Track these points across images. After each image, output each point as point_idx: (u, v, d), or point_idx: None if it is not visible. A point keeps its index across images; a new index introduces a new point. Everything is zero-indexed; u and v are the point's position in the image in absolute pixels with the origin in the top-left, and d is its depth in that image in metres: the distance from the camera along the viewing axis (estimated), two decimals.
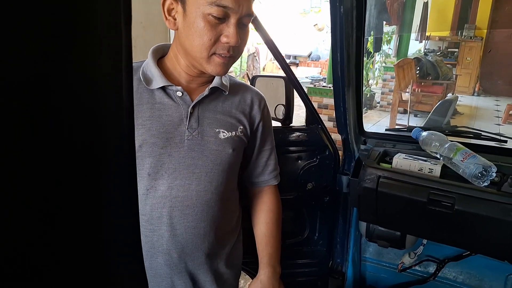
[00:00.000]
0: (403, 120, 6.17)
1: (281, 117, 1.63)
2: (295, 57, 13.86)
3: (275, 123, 1.65)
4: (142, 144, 0.94)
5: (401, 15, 7.38)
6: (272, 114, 1.66)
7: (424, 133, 1.41)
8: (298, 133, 1.62)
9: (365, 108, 7.60)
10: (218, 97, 1.04)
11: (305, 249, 1.70)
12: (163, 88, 0.97)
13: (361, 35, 1.29)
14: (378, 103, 7.98)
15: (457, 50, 9.21)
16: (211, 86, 1.00)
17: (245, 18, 0.91)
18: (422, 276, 1.68)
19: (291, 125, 1.64)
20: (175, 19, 0.92)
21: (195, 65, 0.96)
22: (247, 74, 10.43)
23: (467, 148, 1.29)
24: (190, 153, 0.98)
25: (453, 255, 1.59)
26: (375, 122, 6.71)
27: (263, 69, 12.14)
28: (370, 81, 7.87)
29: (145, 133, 0.94)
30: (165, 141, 0.96)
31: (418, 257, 1.64)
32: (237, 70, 10.50)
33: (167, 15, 0.92)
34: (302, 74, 11.36)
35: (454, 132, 1.49)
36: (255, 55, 11.13)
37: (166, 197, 0.97)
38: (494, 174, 1.24)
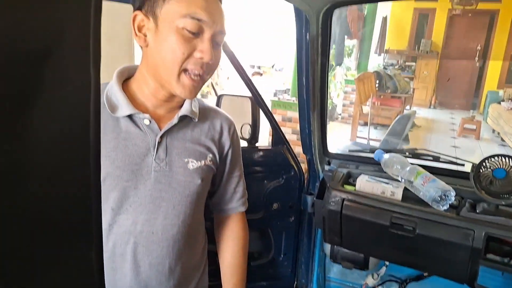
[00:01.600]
0: (363, 132, 6.33)
1: (247, 137, 1.61)
2: (259, 67, 13.97)
3: (241, 143, 1.64)
4: (106, 177, 0.88)
5: (362, 29, 7.61)
6: (238, 134, 1.64)
7: (386, 156, 1.43)
8: (263, 153, 1.61)
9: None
10: (187, 125, 0.99)
11: (270, 270, 1.69)
12: (129, 116, 0.91)
13: (326, 61, 1.30)
14: (340, 114, 8.17)
15: (414, 64, 9.61)
16: (180, 114, 0.95)
17: (219, 36, 0.88)
18: None
19: (257, 144, 1.63)
20: (145, 36, 0.87)
21: (164, 86, 0.90)
22: (211, 83, 10.38)
23: (427, 172, 1.33)
24: (157, 186, 0.93)
25: (414, 275, 1.62)
26: (337, 134, 6.85)
27: (227, 78, 12.14)
28: (332, 93, 8.04)
29: (110, 165, 0.88)
30: (131, 174, 0.90)
31: (381, 278, 1.66)
32: None
33: (137, 32, 0.87)
34: (266, 83, 11.46)
35: (415, 154, 1.52)
36: (219, 65, 11.07)
37: (130, 232, 0.91)
38: (453, 198, 1.28)
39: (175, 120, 0.94)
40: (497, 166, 1.25)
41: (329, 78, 7.03)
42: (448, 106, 9.56)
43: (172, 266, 0.97)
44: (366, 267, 1.54)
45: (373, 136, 6.14)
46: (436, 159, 1.49)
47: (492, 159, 1.27)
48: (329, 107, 7.65)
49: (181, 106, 0.98)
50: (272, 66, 13.87)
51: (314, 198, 1.52)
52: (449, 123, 8.16)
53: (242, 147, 1.59)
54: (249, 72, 13.84)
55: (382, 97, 7.08)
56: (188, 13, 0.81)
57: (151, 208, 0.92)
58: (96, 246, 0.33)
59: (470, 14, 8.91)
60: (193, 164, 0.97)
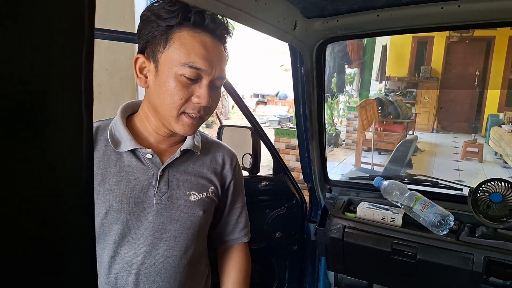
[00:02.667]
0: (367, 158, 6.35)
1: (248, 166, 1.65)
2: (263, 96, 14.18)
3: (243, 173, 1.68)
4: (108, 210, 0.90)
5: (362, 57, 7.76)
6: (239, 163, 1.68)
7: (385, 182, 1.47)
8: (265, 182, 1.64)
9: (331, 146, 7.79)
10: (190, 158, 1.03)
11: None
12: (132, 150, 0.95)
13: (321, 92, 1.36)
14: (344, 141, 8.21)
15: (415, 90, 9.71)
16: (182, 148, 0.99)
17: (218, 81, 0.92)
18: None
19: (258, 174, 1.66)
20: (146, 77, 0.91)
21: (164, 124, 0.94)
22: (216, 113, 10.51)
23: (425, 198, 1.35)
24: (159, 218, 0.94)
25: None
26: (342, 160, 6.87)
27: (232, 107, 12.30)
28: (335, 120, 8.11)
29: (112, 198, 0.91)
30: (133, 206, 0.92)
31: None
32: None
33: (138, 73, 0.92)
34: (271, 112, 11.59)
35: (413, 180, 1.55)
36: (223, 94, 11.28)
37: (132, 264, 0.93)
38: (452, 223, 1.30)
39: (177, 154, 0.98)
40: (493, 190, 1.28)
41: (332, 105, 7.11)
42: (451, 130, 9.59)
43: None
44: None
45: (377, 161, 6.16)
46: (435, 184, 1.51)
47: (489, 184, 1.30)
48: (333, 133, 7.71)
49: (184, 140, 1.02)
50: (276, 95, 14.08)
51: (316, 226, 1.54)
52: (452, 146, 8.17)
53: (243, 176, 1.64)
54: (253, 101, 14.05)
55: (384, 123, 7.14)
56: (187, 62, 0.85)
57: (152, 240, 0.94)
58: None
59: (467, 41, 9.09)
60: (194, 196, 0.99)
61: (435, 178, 1.52)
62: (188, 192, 0.99)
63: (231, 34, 0.96)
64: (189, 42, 0.86)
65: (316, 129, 1.45)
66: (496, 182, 1.29)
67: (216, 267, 1.24)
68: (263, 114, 12.32)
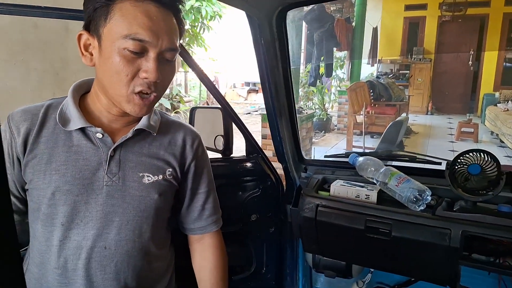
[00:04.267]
0: (359, 142, 6.29)
1: (221, 148, 1.58)
2: (254, 84, 14.06)
3: (216, 155, 1.61)
4: (55, 191, 0.86)
5: (351, 41, 7.66)
6: (212, 145, 1.61)
7: (360, 159, 1.40)
8: (238, 164, 1.58)
9: (323, 132, 7.73)
10: (145, 139, 0.96)
11: (252, 284, 1.63)
12: (82, 130, 0.90)
13: (287, 65, 1.28)
14: (336, 126, 8.15)
15: (408, 72, 9.65)
16: (136, 127, 0.93)
17: (168, 53, 0.85)
18: None
19: (231, 156, 1.60)
20: (92, 55, 0.85)
21: (115, 104, 0.88)
22: (207, 102, 10.44)
23: (401, 173, 1.29)
24: (109, 200, 0.90)
25: (402, 281, 1.56)
26: (333, 145, 6.81)
27: (224, 94, 12.19)
28: (326, 105, 8.04)
29: (59, 179, 0.86)
30: (81, 188, 0.88)
31: (367, 286, 1.61)
32: (197, 99, 10.48)
33: (83, 51, 0.86)
34: (262, 100, 11.49)
35: (390, 156, 1.49)
36: (214, 83, 11.17)
37: (82, 247, 0.88)
38: (430, 198, 1.23)
39: (129, 134, 0.92)
40: (472, 162, 1.22)
41: (323, 90, 7.05)
42: (445, 111, 9.54)
43: (128, 281, 0.93)
44: (349, 275, 1.48)
45: (369, 145, 6.10)
46: (413, 159, 1.45)
47: (467, 155, 1.23)
48: (324, 118, 7.65)
49: (140, 119, 0.95)
50: None
51: (290, 207, 1.48)
52: (447, 127, 8.12)
53: (216, 158, 1.58)
54: (244, 89, 13.94)
55: (376, 105, 7.07)
56: (129, 34, 0.78)
57: (103, 223, 0.89)
58: None
59: (460, 20, 8.97)
60: (149, 178, 0.93)
61: (412, 153, 1.45)
62: (141, 174, 0.93)
63: (183, 3, 0.89)
64: (130, 12, 0.79)
65: (285, 105, 1.37)
66: (474, 153, 1.22)
67: (185, 251, 1.16)
68: (254, 102, 12.23)
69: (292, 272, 1.68)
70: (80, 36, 0.85)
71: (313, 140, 6.73)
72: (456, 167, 1.26)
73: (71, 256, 0.89)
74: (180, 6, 0.88)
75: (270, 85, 1.26)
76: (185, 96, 9.59)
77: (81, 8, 0.86)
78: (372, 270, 1.58)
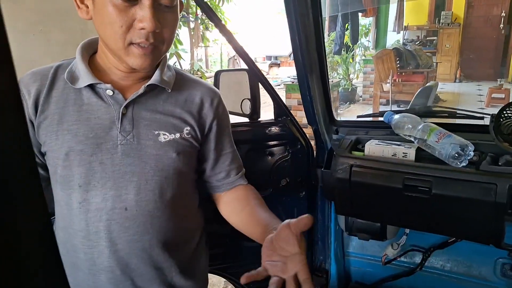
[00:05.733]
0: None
1: (248, 112, 1.53)
2: (276, 58, 13.82)
3: (242, 119, 1.57)
4: (68, 152, 0.83)
5: (377, 6, 7.38)
6: (238, 110, 1.57)
7: (396, 116, 1.33)
8: (267, 128, 1.53)
9: (348, 102, 7.57)
10: (159, 95, 0.91)
11: None
12: (91, 87, 0.86)
13: (318, 14, 1.20)
14: (361, 96, 7.97)
15: (435, 38, 9.26)
16: (148, 83, 0.88)
17: None
18: (408, 267, 1.59)
19: (259, 119, 1.55)
20: (87, 7, 0.81)
21: (119, 59, 0.84)
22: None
23: (441, 128, 1.22)
24: (126, 160, 0.86)
25: (438, 242, 1.51)
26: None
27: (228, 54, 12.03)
28: (351, 75, 7.85)
29: (71, 139, 0.84)
30: (95, 148, 0.84)
31: (402, 248, 1.56)
32: None
33: (79, 4, 0.81)
34: (284, 74, 11.31)
35: (428, 113, 1.41)
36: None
37: (101, 209, 0.86)
38: (472, 153, 1.16)
39: (141, 90, 0.87)
40: None
41: (348, 60, 6.87)
42: (475, 78, 9.16)
43: (152, 243, 0.90)
44: (384, 237, 1.44)
45: None
46: (453, 115, 1.37)
47: None
48: (349, 88, 7.47)
49: (152, 76, 0.90)
50: (290, 55, 13.70)
51: (322, 170, 1.43)
52: (476, 95, 7.82)
53: (243, 122, 1.53)
54: (265, 64, 13.72)
55: (403, 73, 6.84)
56: None
57: (121, 184, 0.86)
58: None
59: None
60: (165, 136, 0.89)
61: (452, 108, 1.37)
62: (157, 132, 0.88)
63: None
64: None
65: (316, 60, 1.30)
66: None
67: (216, 216, 1.12)
68: (277, 77, 12.02)
69: (324, 237, 1.65)
70: None
71: (339, 111, 6.61)
72: (502, 120, 1.18)
73: (92, 219, 0.86)
74: None
75: (300, 36, 1.18)
76: (206, 72, 9.54)
77: None
78: (407, 232, 1.53)
